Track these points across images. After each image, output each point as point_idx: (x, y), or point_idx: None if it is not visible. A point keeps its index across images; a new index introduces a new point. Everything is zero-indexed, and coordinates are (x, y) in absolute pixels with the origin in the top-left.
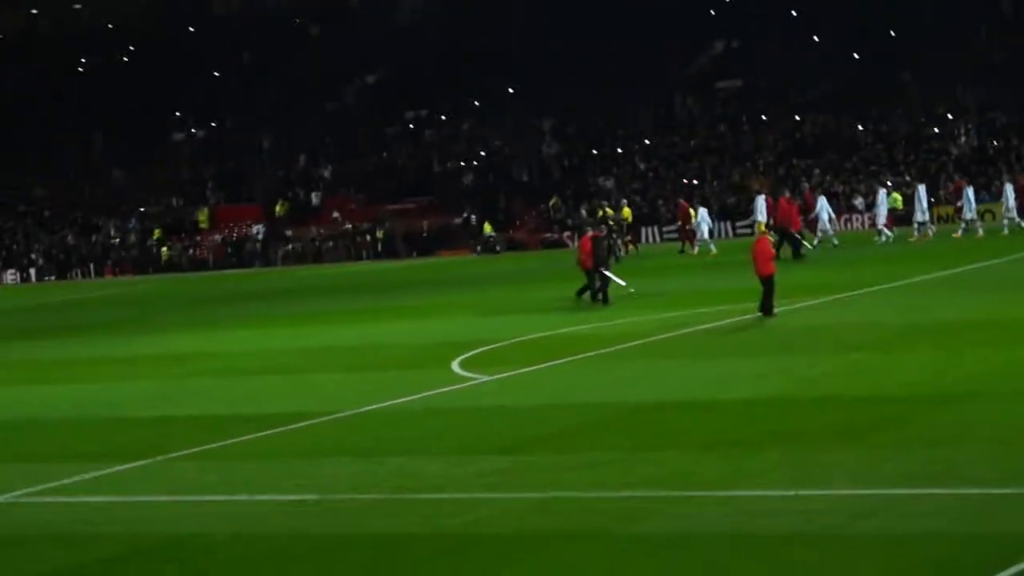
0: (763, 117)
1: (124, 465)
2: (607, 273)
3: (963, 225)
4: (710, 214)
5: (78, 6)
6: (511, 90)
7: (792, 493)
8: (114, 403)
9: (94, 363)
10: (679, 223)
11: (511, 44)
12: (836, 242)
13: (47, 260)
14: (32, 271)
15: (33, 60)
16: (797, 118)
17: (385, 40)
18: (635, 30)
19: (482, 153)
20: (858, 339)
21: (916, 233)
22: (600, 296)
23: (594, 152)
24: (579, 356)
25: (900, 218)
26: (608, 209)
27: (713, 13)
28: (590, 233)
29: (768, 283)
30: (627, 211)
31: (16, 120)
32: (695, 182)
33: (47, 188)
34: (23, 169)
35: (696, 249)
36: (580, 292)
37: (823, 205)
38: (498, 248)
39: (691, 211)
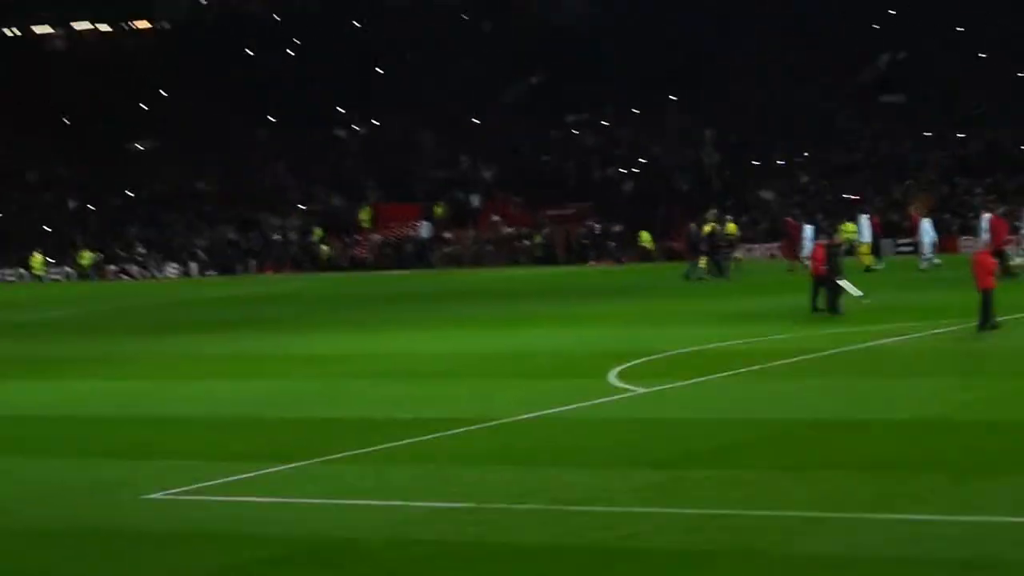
0: (925, 133)
1: (281, 466)
2: (841, 282)
3: None
4: (815, 231)
5: None
6: (672, 97)
7: (952, 519)
8: (271, 402)
9: (253, 360)
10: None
11: (676, 54)
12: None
13: (208, 254)
14: (193, 265)
15: (199, 51)
16: (961, 135)
17: (548, 40)
18: (799, 40)
19: (642, 160)
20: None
21: None
22: (832, 305)
23: (754, 163)
24: (738, 371)
25: None
26: (715, 225)
27: (877, 27)
28: (825, 241)
29: (986, 296)
30: (732, 226)
31: (180, 111)
32: (854, 197)
33: (209, 182)
34: (187, 162)
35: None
36: (814, 302)
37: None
38: (622, 259)
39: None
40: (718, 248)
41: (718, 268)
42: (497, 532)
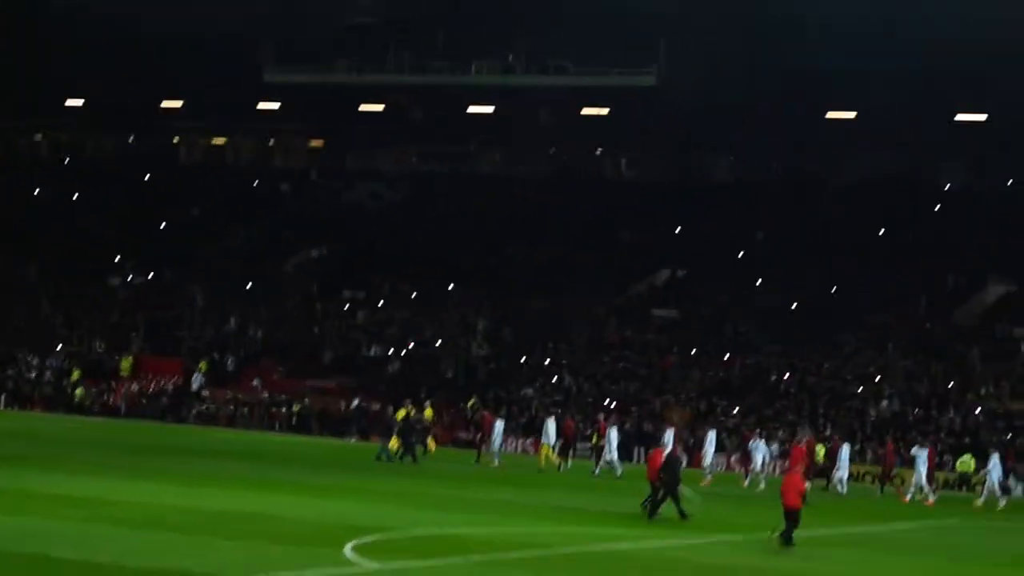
0: (692, 351)
1: None
2: (679, 489)
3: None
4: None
5: (38, 137)
6: (451, 285)
7: None
8: (1, 537)
9: None
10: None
11: (459, 239)
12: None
13: None
14: None
15: None
16: (727, 356)
17: (339, 214)
18: (582, 246)
19: (411, 344)
20: None
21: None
22: (649, 507)
23: (523, 360)
24: (469, 557)
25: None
26: (411, 409)
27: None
28: (666, 449)
29: (792, 515)
30: (429, 412)
31: None
32: (613, 404)
33: None
34: None
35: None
36: (647, 504)
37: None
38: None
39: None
40: (412, 431)
41: (410, 451)
42: None
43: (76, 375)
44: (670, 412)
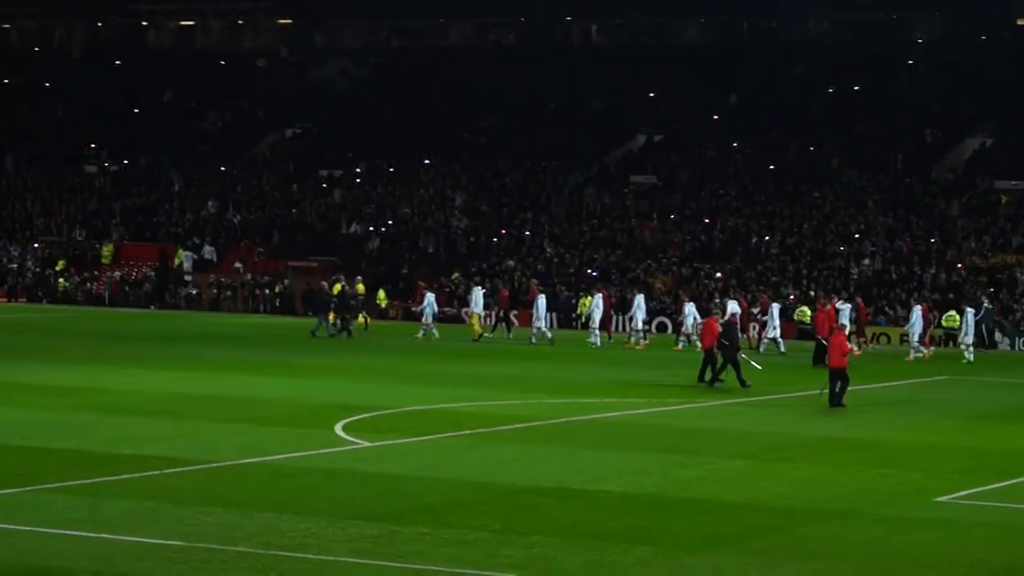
0: (671, 216)
1: None
2: (742, 356)
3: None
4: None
5: (7, 26)
6: (427, 160)
7: None
8: None
9: None
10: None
11: (432, 114)
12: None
13: None
14: None
15: None
16: (706, 220)
17: (311, 93)
18: (560, 114)
19: (390, 221)
20: (745, 447)
21: None
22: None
23: (502, 232)
24: (461, 432)
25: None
26: (344, 285)
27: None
28: (720, 317)
29: (839, 376)
30: (361, 287)
31: None
32: (594, 273)
33: None
34: None
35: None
36: (702, 375)
37: (690, 310)
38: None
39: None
40: (348, 307)
41: (344, 326)
42: (204, 572)
43: (61, 264)
44: (687, 288)
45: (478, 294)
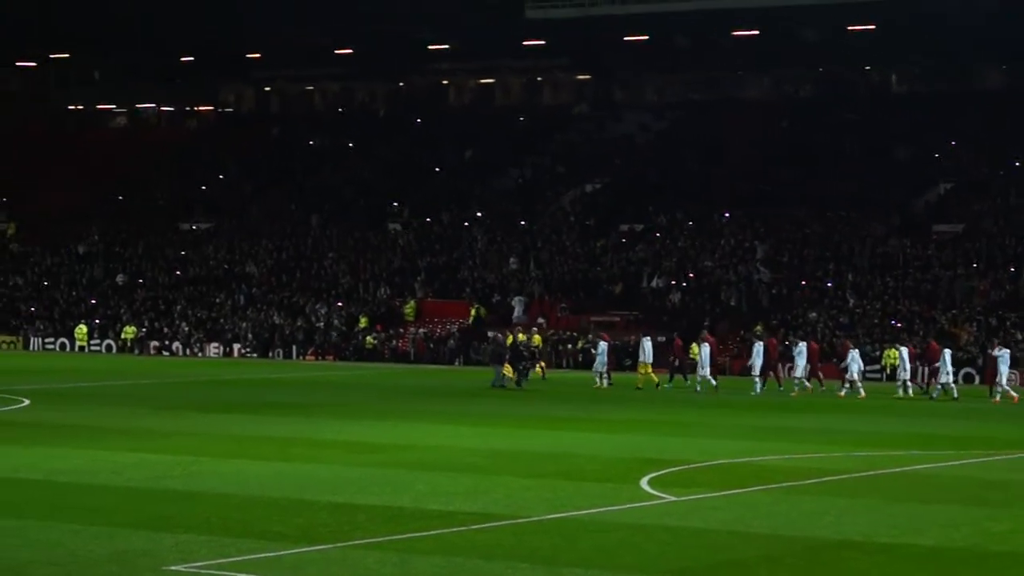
0: (975, 265)
1: (304, 548)
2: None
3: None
4: (861, 355)
5: (310, 88)
6: (727, 213)
7: None
8: (300, 485)
9: (286, 443)
10: (671, 358)
11: (731, 166)
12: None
13: (253, 337)
14: (235, 346)
15: (259, 137)
16: (1011, 268)
17: (610, 147)
18: (858, 164)
19: (691, 274)
20: None
21: None
22: None
23: (803, 283)
24: (770, 486)
25: None
26: (520, 335)
27: (937, 156)
28: None
29: None
30: (537, 338)
31: (236, 195)
32: (899, 324)
33: (259, 266)
34: (236, 246)
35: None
36: None
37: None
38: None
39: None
40: (521, 357)
41: (522, 377)
42: None
43: (363, 322)
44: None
45: (647, 344)
